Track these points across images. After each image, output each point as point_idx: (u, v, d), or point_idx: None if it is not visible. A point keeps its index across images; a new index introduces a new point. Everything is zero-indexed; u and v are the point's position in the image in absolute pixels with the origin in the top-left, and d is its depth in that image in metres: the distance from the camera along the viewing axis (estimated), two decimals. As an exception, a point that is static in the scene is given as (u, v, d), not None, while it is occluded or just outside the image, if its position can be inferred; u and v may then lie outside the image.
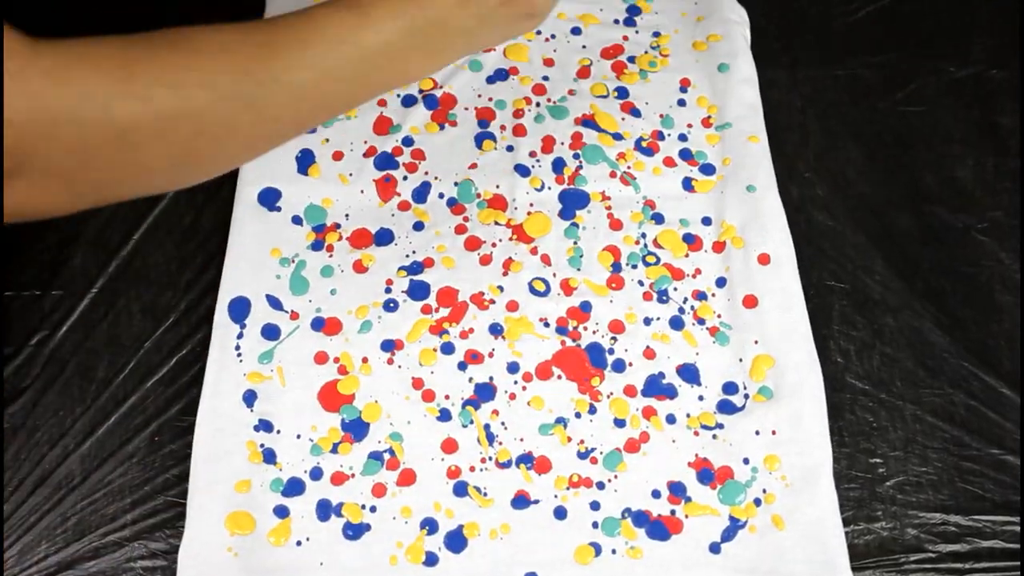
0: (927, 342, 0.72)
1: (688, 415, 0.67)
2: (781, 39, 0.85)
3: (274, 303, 0.71)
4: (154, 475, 0.66)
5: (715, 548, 0.63)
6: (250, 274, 0.71)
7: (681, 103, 0.80)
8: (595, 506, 0.64)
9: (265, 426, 0.66)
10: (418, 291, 0.71)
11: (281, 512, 0.63)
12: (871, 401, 0.69)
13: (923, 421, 0.69)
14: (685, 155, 0.78)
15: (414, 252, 0.73)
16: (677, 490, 0.65)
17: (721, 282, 0.72)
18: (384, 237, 0.74)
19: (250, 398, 0.67)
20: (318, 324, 0.70)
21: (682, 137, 0.78)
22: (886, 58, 0.84)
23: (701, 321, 0.71)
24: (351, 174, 0.76)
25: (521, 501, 0.64)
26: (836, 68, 0.84)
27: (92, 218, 0.75)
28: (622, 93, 0.80)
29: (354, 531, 0.63)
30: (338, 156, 0.77)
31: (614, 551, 0.63)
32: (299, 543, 0.62)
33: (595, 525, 0.63)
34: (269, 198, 0.74)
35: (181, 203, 0.76)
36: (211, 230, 0.75)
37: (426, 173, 0.76)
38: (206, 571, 0.61)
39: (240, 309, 0.70)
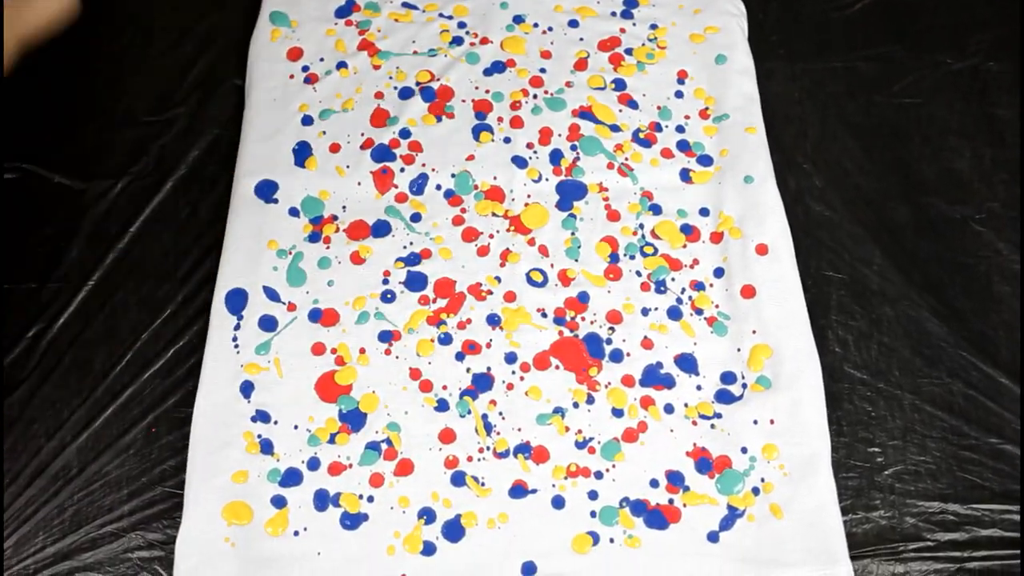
0: (925, 332, 0.71)
1: (686, 405, 0.67)
2: (779, 32, 0.85)
3: (271, 295, 0.70)
4: (151, 466, 0.66)
5: (713, 537, 0.63)
6: (247, 266, 0.71)
7: (678, 95, 0.80)
8: (593, 495, 0.64)
9: (262, 417, 0.66)
10: (415, 282, 0.71)
11: (279, 502, 0.63)
12: (869, 391, 0.69)
13: (921, 410, 0.69)
14: (683, 146, 0.77)
15: (411, 243, 0.73)
16: (675, 479, 0.65)
17: (719, 272, 0.72)
18: (381, 229, 0.73)
19: (247, 389, 0.66)
20: (315, 315, 0.70)
21: (679, 128, 0.78)
22: (883, 51, 0.84)
23: (699, 311, 0.71)
24: (348, 166, 0.76)
25: (519, 491, 0.64)
26: (834, 60, 0.84)
27: (90, 211, 0.75)
28: (619, 85, 0.80)
29: (352, 521, 0.63)
30: (335, 148, 0.76)
31: (612, 540, 0.62)
32: (296, 533, 0.62)
33: (593, 514, 0.63)
34: (266, 190, 0.74)
35: (178, 196, 0.76)
36: (208, 223, 0.75)
37: (423, 165, 0.76)
38: (203, 561, 0.61)
39: (237, 301, 0.70)
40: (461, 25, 0.83)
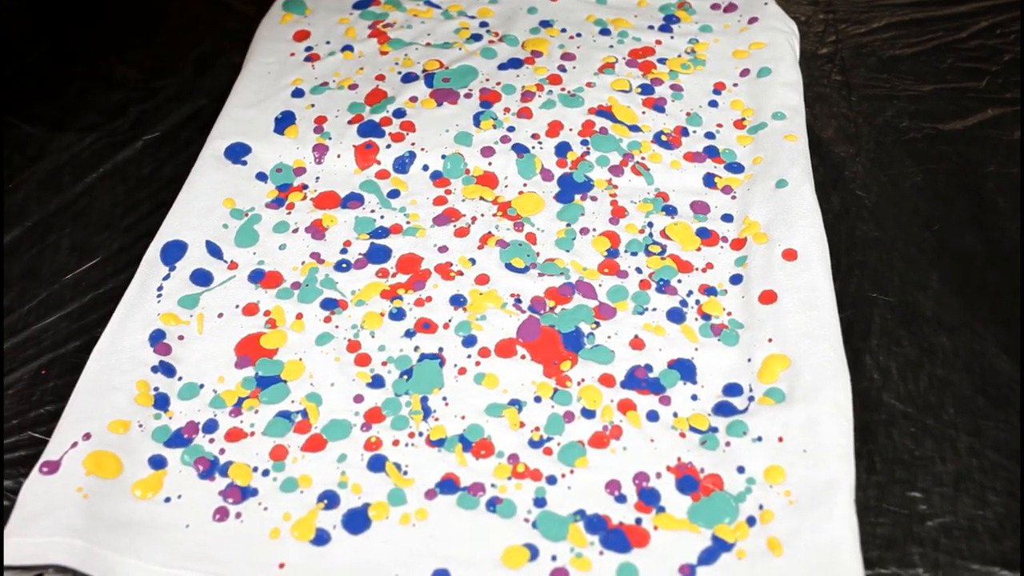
0: (991, 369, 0.57)
1: (675, 414, 0.54)
2: (836, 60, 0.76)
3: (213, 250, 0.62)
4: (28, 409, 0.56)
5: (688, 571, 0.48)
6: (195, 220, 0.63)
7: (712, 104, 0.71)
8: (540, 503, 0.50)
9: (166, 370, 0.56)
10: (377, 255, 0.62)
11: (157, 463, 0.52)
12: (914, 426, 0.54)
13: (983, 456, 0.53)
14: (711, 152, 0.67)
15: (382, 218, 0.64)
16: (649, 497, 0.51)
17: (736, 279, 0.60)
18: (352, 201, 0.65)
19: (157, 338, 0.57)
20: (256, 276, 0.61)
21: (709, 135, 0.69)
22: (956, 87, 0.74)
23: (706, 316, 0.58)
24: (330, 139, 0.68)
25: (448, 486, 0.51)
26: (898, 90, 0.74)
27: (48, 158, 0.69)
28: (647, 90, 0.72)
29: (236, 496, 0.51)
30: (320, 120, 0.70)
31: (554, 558, 0.48)
32: (168, 499, 0.50)
33: (534, 525, 0.49)
34: (237, 152, 0.67)
35: (145, 154, 0.70)
36: (168, 181, 0.68)
37: (412, 144, 0.68)
38: (45, 510, 0.49)
39: (174, 252, 0.61)
40: (483, 24, 0.77)
